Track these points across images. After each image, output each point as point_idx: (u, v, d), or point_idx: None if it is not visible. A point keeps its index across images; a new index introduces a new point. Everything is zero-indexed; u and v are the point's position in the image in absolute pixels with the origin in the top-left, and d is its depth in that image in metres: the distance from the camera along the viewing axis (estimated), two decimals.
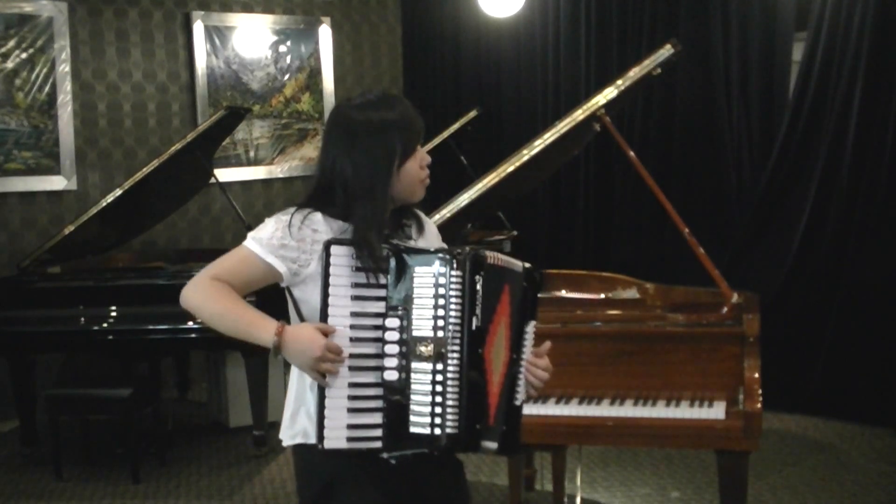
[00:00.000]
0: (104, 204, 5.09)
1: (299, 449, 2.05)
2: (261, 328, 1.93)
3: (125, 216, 5.34)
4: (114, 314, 4.83)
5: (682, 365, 3.07)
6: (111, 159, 6.30)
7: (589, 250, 6.41)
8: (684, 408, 2.99)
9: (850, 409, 5.05)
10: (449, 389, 1.87)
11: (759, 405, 2.90)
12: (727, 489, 3.03)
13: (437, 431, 1.87)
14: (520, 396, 2.05)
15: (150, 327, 4.79)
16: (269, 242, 1.97)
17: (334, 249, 1.89)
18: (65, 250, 5.19)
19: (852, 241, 5.07)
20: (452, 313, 1.88)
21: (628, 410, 3.02)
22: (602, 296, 3.58)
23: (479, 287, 1.90)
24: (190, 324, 4.76)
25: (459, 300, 1.88)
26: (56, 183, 6.06)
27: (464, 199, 3.45)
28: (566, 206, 6.60)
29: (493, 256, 1.95)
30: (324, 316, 1.90)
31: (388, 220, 2.03)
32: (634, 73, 3.59)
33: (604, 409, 3.05)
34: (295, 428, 2.05)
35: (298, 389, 2.04)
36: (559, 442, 3.36)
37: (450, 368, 1.87)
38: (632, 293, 3.54)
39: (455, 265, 1.88)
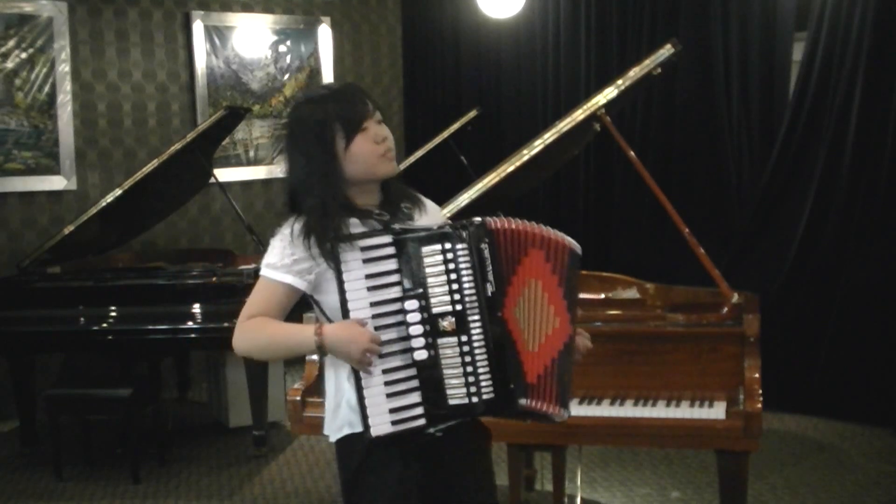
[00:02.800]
0: (104, 204, 5.09)
1: (344, 439, 2.11)
2: (301, 336, 2.02)
3: (125, 216, 5.34)
4: (114, 314, 4.83)
5: (682, 365, 3.07)
6: (111, 159, 6.30)
7: (589, 250, 6.41)
8: (684, 408, 2.99)
9: (850, 409, 5.05)
10: (477, 357, 1.97)
11: (759, 405, 2.90)
12: (727, 489, 3.03)
13: (475, 399, 1.97)
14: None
15: (150, 327, 4.80)
16: (281, 264, 2.05)
17: (341, 247, 1.97)
18: (65, 250, 5.19)
19: (852, 241, 5.07)
20: (466, 285, 1.97)
21: (628, 410, 3.02)
22: (602, 296, 3.58)
23: (486, 254, 1.99)
24: (190, 324, 4.76)
25: (470, 271, 1.98)
26: (56, 183, 6.06)
27: (464, 199, 3.46)
28: (566, 206, 6.60)
29: (502, 221, 2.03)
30: (345, 312, 1.97)
31: (384, 203, 2.12)
32: (634, 73, 3.59)
33: (604, 409, 3.05)
34: (337, 421, 2.11)
35: (336, 383, 2.11)
36: (559, 442, 3.36)
37: (474, 337, 1.97)
38: (632, 293, 3.54)
39: (459, 238, 1.98)
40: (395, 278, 1.98)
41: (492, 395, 1.97)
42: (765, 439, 3.28)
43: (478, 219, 2.02)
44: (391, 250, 1.99)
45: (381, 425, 1.95)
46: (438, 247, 1.98)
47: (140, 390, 4.66)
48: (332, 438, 2.14)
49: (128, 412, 4.59)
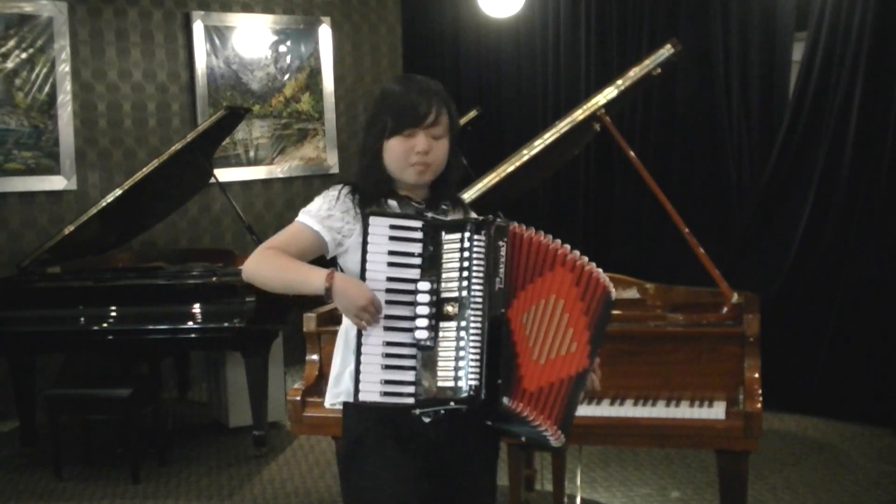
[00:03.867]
0: (104, 204, 5.09)
1: (343, 407, 2.21)
2: (312, 276, 2.09)
3: (125, 216, 5.34)
4: (114, 314, 4.83)
5: (682, 365, 3.06)
6: (111, 159, 6.30)
7: (589, 250, 6.34)
8: (684, 408, 2.98)
9: (850, 409, 5.05)
10: (471, 344, 2.00)
11: (759, 405, 2.90)
12: (727, 489, 3.03)
13: (460, 384, 1.99)
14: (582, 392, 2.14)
15: (150, 327, 4.80)
16: (317, 214, 2.18)
17: (373, 220, 2.06)
18: (65, 250, 5.19)
19: (852, 241, 5.07)
20: (475, 274, 2.02)
21: (628, 410, 3.02)
22: None
23: (502, 253, 2.04)
24: (190, 324, 4.76)
25: (482, 263, 2.02)
26: (56, 183, 6.06)
27: (464, 198, 3.44)
28: (566, 206, 6.61)
29: (529, 231, 2.09)
30: (362, 279, 2.05)
31: (427, 200, 2.23)
32: (634, 73, 3.59)
33: (604, 409, 3.04)
34: (338, 388, 2.20)
35: (344, 353, 2.19)
36: None
37: (472, 325, 2.00)
38: (632, 293, 3.54)
39: (479, 230, 2.03)
40: (415, 261, 2.06)
41: (476, 383, 1.98)
42: (765, 439, 3.28)
43: (503, 219, 2.08)
44: (418, 234, 2.06)
45: (370, 392, 2.01)
46: (458, 235, 2.04)
47: (140, 390, 4.66)
48: (327, 404, 2.25)
49: (128, 412, 4.59)
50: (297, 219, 2.21)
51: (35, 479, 4.71)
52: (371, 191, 2.18)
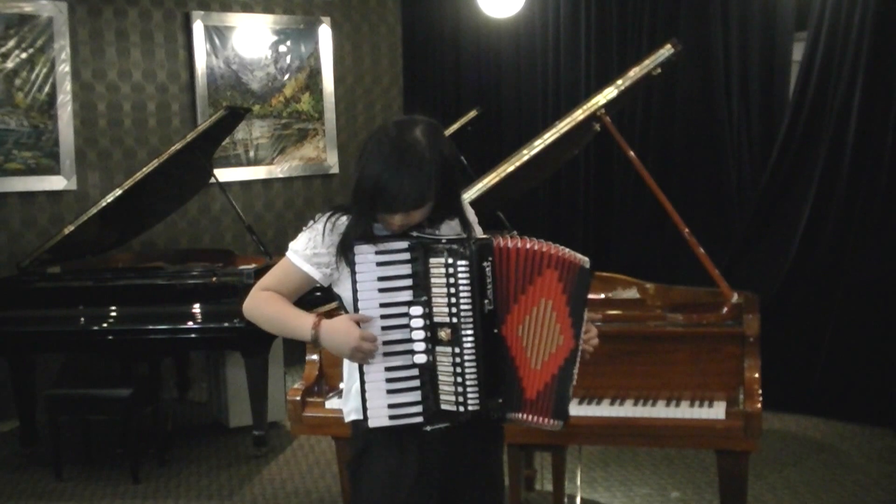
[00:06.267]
0: (104, 204, 5.09)
1: (353, 424, 2.24)
2: (299, 324, 2.16)
3: (125, 216, 5.34)
4: (114, 314, 4.83)
5: (682, 365, 3.07)
6: (111, 159, 6.30)
7: (589, 250, 6.38)
8: (684, 408, 2.99)
9: (850, 409, 5.05)
10: (467, 369, 2.05)
11: (759, 405, 2.90)
12: (727, 489, 3.03)
13: (461, 409, 2.07)
14: (575, 374, 2.17)
15: (150, 327, 4.79)
16: (303, 252, 2.19)
17: (357, 250, 2.07)
18: (65, 250, 5.19)
19: (852, 241, 5.07)
20: (463, 300, 2.05)
21: (628, 410, 3.02)
22: (602, 296, 3.58)
23: (488, 272, 2.06)
24: (190, 324, 4.76)
25: (469, 287, 2.05)
26: (56, 183, 6.06)
27: (464, 199, 3.44)
28: (566, 206, 6.60)
29: (514, 240, 2.09)
30: (356, 309, 2.09)
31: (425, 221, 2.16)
32: (634, 73, 3.59)
33: (604, 409, 3.05)
34: (349, 405, 2.25)
35: (349, 371, 2.24)
36: (559, 442, 3.36)
37: (466, 351, 2.05)
38: (632, 293, 3.54)
39: (462, 255, 2.05)
40: (406, 283, 2.08)
41: (477, 408, 2.07)
42: (765, 439, 3.28)
43: (485, 237, 2.10)
44: (405, 256, 2.08)
45: (378, 417, 2.07)
46: (443, 260, 2.06)
47: (140, 390, 4.66)
48: (346, 419, 2.28)
49: (128, 412, 4.59)
50: (287, 255, 2.22)
51: (35, 479, 4.71)
52: (361, 219, 2.10)
